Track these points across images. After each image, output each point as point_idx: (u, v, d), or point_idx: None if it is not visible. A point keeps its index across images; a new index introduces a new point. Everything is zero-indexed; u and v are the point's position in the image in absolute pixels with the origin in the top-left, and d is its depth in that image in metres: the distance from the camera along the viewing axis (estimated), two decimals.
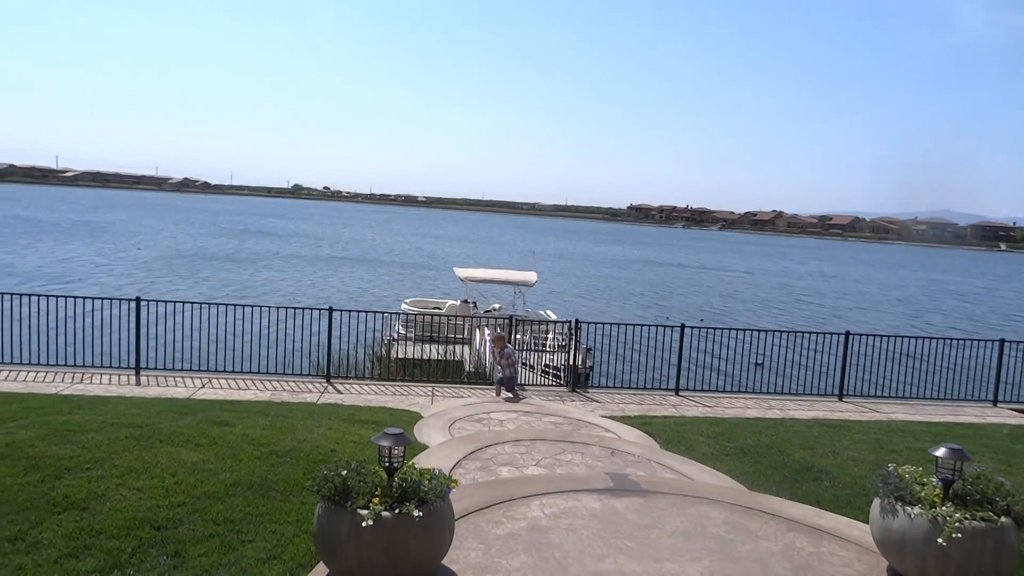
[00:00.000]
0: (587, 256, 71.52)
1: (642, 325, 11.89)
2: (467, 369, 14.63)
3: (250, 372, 11.39)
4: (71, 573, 3.51)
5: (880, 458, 6.84)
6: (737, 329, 11.85)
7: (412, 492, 3.38)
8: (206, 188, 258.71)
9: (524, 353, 13.40)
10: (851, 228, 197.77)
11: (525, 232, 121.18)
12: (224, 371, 11.32)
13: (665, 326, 11.73)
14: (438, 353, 14.16)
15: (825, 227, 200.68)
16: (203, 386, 10.45)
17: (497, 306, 21.29)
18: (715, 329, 12.35)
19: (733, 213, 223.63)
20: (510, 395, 10.32)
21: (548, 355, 14.78)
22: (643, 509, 4.87)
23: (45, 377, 10.42)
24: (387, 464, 3.48)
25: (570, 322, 12.04)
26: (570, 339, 11.78)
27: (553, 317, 19.90)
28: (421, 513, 3.24)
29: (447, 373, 13.10)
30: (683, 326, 11.29)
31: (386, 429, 3.58)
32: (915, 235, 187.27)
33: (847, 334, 11.70)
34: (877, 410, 10.81)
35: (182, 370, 11.37)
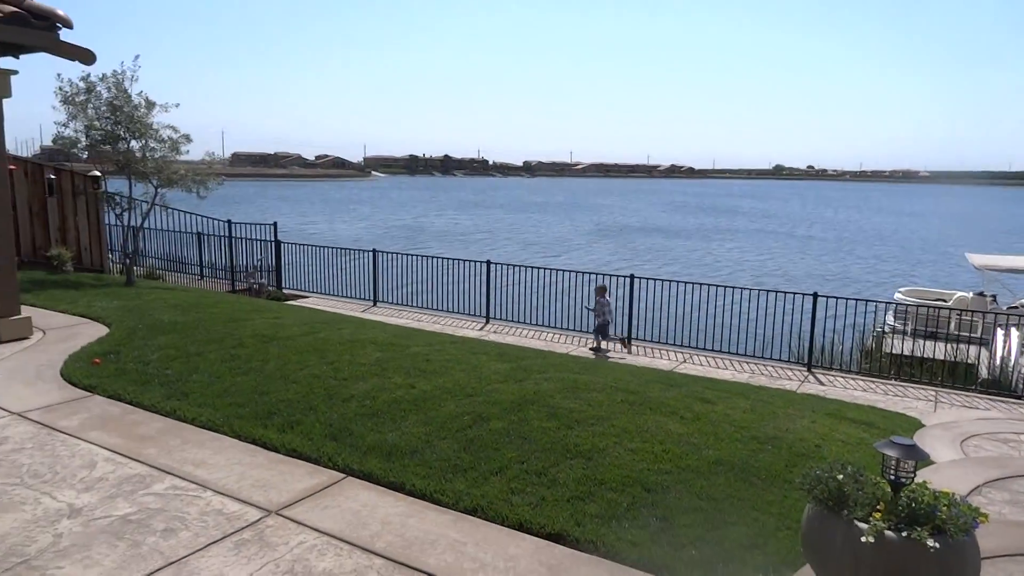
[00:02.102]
0: None
1: None
2: (982, 375, 12.15)
3: (727, 352, 11.54)
4: (578, 513, 4.02)
5: None
6: None
7: (924, 516, 2.88)
8: (691, 173, 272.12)
9: None
10: None
11: None
12: (703, 348, 11.69)
13: None
14: (942, 352, 12.09)
15: None
16: (684, 361, 10.98)
17: None
18: None
19: None
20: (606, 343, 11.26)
21: None
22: None
23: (557, 338, 12.31)
24: (893, 477, 3.04)
25: None
26: None
27: None
28: (937, 545, 2.74)
29: (954, 377, 11.10)
30: None
31: (893, 437, 3.13)
32: None
33: None
34: None
35: (665, 343, 12.11)
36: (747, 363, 11.02)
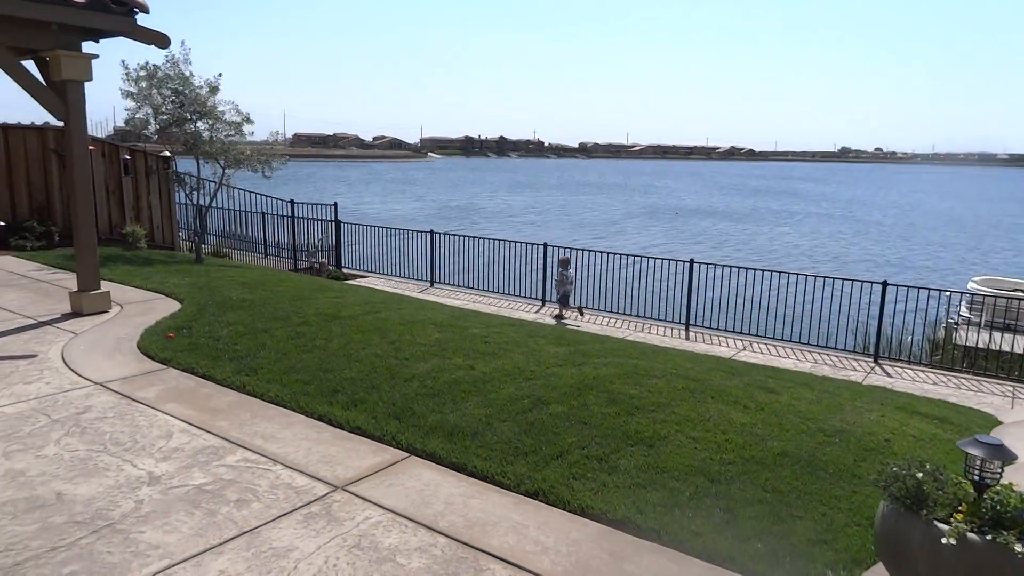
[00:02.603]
0: None
1: None
2: None
3: (789, 340, 11.28)
4: (640, 500, 4.00)
5: None
6: None
7: (1011, 520, 2.76)
8: (751, 155, 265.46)
9: None
10: None
11: None
12: (764, 336, 11.46)
13: None
14: (1021, 346, 11.54)
15: None
16: (744, 348, 10.77)
17: None
18: None
19: None
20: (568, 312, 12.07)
21: None
22: None
23: (612, 323, 12.23)
24: (976, 478, 2.92)
25: None
26: None
27: None
28: None
29: None
30: None
31: (977, 436, 3.00)
32: None
33: None
34: None
35: (725, 330, 11.90)
36: (809, 352, 10.74)
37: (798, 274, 11.90)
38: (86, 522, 3.67)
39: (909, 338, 11.95)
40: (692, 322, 11.97)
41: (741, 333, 11.62)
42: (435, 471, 4.38)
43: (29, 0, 6.54)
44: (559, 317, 11.99)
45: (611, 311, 12.78)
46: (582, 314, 12.27)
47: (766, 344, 11.13)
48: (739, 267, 12.15)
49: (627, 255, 13.31)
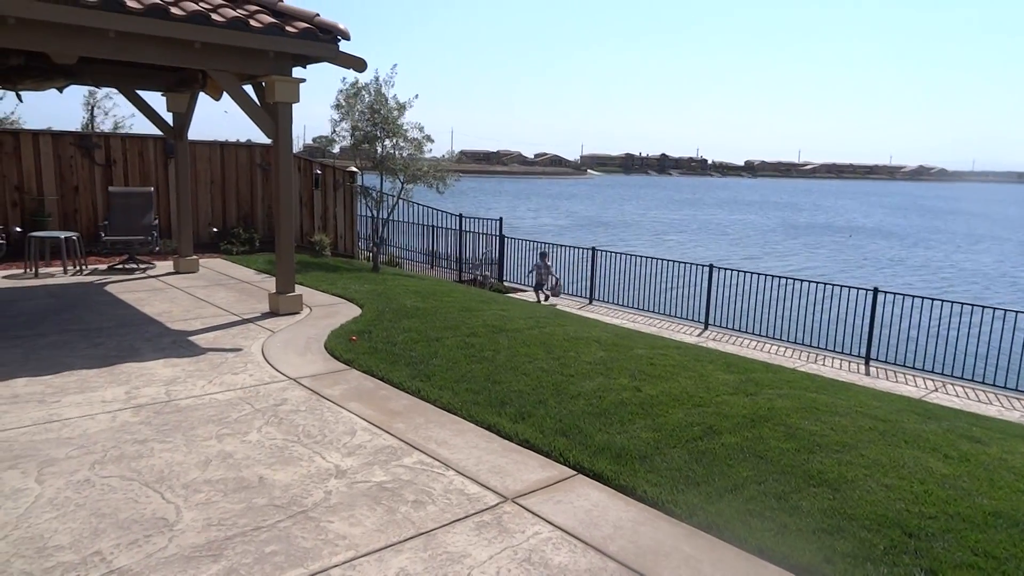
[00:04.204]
0: None
1: None
2: None
3: (989, 384, 10.13)
4: (826, 548, 3.71)
5: None
6: None
7: None
8: (942, 175, 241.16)
9: None
10: None
11: None
12: (957, 377, 10.38)
13: None
14: None
15: None
16: (935, 389, 9.81)
17: None
18: None
19: None
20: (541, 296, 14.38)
21: None
22: None
23: (782, 351, 11.56)
24: None
25: None
26: None
27: None
28: None
29: None
30: None
31: None
32: None
33: None
34: None
35: (911, 368, 10.90)
36: (1018, 400, 9.53)
37: (1005, 310, 10.62)
38: (283, 507, 4.00)
39: None
40: (874, 356, 11.05)
41: (932, 372, 10.57)
42: (603, 492, 4.34)
43: (255, 33, 7.36)
44: (536, 299, 14.00)
45: (779, 338, 12.11)
46: (547, 299, 14.28)
47: (961, 386, 10.04)
48: (931, 298, 11.07)
49: (800, 279, 12.50)
